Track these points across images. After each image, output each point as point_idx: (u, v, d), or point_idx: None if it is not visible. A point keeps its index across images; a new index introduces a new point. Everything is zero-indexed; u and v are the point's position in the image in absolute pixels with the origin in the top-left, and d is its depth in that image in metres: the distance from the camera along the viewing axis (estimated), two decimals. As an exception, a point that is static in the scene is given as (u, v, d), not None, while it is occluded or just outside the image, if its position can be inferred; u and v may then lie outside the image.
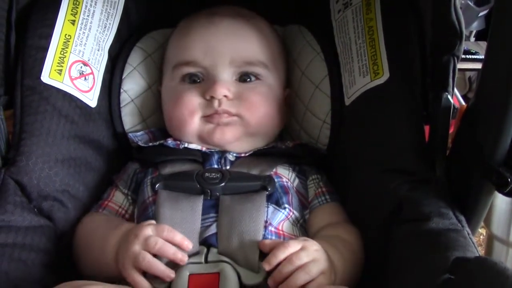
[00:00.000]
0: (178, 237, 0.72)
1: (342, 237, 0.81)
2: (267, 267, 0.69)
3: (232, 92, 0.91)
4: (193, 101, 0.92)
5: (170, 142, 0.91)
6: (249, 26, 0.97)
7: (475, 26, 2.18)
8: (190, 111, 0.92)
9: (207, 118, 0.91)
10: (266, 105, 0.93)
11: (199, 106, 0.91)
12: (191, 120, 0.91)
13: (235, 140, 0.91)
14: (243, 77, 0.93)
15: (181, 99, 0.93)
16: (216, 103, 0.90)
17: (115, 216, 0.87)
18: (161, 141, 0.92)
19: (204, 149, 0.90)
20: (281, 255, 0.70)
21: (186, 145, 0.90)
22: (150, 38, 1.05)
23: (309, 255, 0.70)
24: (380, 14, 0.88)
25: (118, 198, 0.88)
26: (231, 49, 0.93)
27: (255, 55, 0.94)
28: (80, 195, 0.87)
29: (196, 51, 0.94)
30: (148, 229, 0.72)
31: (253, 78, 0.94)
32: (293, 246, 0.71)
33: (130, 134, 0.97)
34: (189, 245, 0.71)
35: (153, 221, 0.75)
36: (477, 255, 0.65)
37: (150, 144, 0.92)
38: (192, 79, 0.94)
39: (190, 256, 0.72)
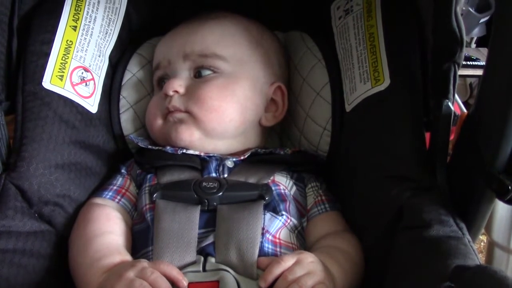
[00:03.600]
0: (175, 272, 0.69)
1: (341, 247, 0.80)
2: (263, 284, 0.69)
3: (185, 87, 0.91)
4: (155, 103, 0.94)
5: (168, 148, 0.91)
6: (212, 23, 0.97)
7: (476, 32, 2.19)
8: (153, 114, 0.94)
9: (165, 118, 0.92)
10: (219, 100, 0.90)
11: (159, 107, 0.93)
12: (155, 122, 0.93)
13: (193, 139, 0.90)
14: (199, 72, 0.93)
15: (149, 104, 0.97)
16: (167, 100, 0.91)
17: (131, 209, 0.86)
18: (160, 147, 0.91)
19: (202, 154, 0.90)
20: (276, 270, 0.70)
21: (184, 150, 0.90)
22: (150, 45, 1.05)
23: (303, 268, 0.70)
24: (381, 20, 0.88)
25: (133, 190, 0.88)
26: (184, 44, 0.94)
27: (209, 47, 0.93)
28: (81, 199, 0.87)
29: (161, 53, 0.98)
30: (145, 263, 0.71)
31: (207, 72, 0.93)
32: (288, 261, 0.71)
33: (131, 135, 0.97)
34: (185, 283, 0.69)
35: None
36: (478, 263, 0.65)
37: (150, 147, 0.92)
38: (164, 82, 0.95)
39: (187, 265, 0.72)
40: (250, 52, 0.96)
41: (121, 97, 1.00)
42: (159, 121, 0.93)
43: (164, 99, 0.92)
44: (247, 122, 0.94)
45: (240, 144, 0.94)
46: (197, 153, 0.90)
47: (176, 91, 0.91)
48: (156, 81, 0.99)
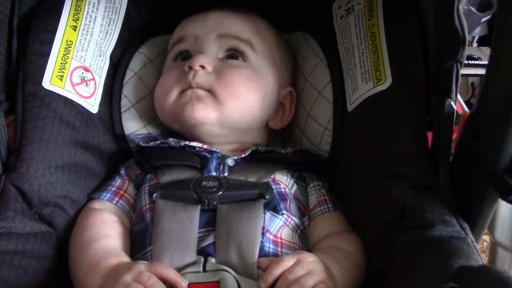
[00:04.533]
0: (172, 274, 0.69)
1: (342, 248, 0.80)
2: (263, 285, 0.68)
3: (212, 65, 0.90)
4: (173, 76, 0.92)
5: (171, 140, 0.90)
6: (244, 15, 0.97)
7: (478, 31, 2.18)
8: (168, 87, 0.91)
9: (182, 93, 0.90)
10: (245, 88, 0.90)
11: (178, 80, 0.90)
12: (168, 96, 0.91)
13: (207, 120, 0.88)
14: (229, 54, 0.93)
15: (163, 76, 0.95)
16: (191, 74, 0.89)
17: (129, 210, 0.86)
18: (163, 140, 0.91)
19: (205, 146, 0.89)
20: (276, 271, 0.69)
21: (186, 142, 0.89)
22: (152, 44, 1.05)
23: (303, 268, 0.70)
24: (382, 20, 0.88)
25: (131, 191, 0.88)
26: (219, 24, 0.94)
27: (245, 33, 0.94)
28: (81, 200, 0.86)
29: (187, 29, 0.96)
30: (142, 265, 0.70)
31: (239, 57, 0.93)
32: (287, 261, 0.70)
33: (131, 135, 0.96)
34: (184, 284, 0.68)
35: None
36: (481, 263, 0.64)
37: (151, 143, 0.91)
38: (183, 56, 0.94)
39: (187, 266, 0.72)
40: (272, 51, 0.97)
41: (122, 96, 0.99)
42: (174, 95, 0.90)
43: (185, 73, 0.90)
44: (258, 119, 0.94)
45: (238, 138, 0.94)
46: (199, 145, 0.89)
47: (203, 67, 0.89)
48: (174, 55, 0.97)
